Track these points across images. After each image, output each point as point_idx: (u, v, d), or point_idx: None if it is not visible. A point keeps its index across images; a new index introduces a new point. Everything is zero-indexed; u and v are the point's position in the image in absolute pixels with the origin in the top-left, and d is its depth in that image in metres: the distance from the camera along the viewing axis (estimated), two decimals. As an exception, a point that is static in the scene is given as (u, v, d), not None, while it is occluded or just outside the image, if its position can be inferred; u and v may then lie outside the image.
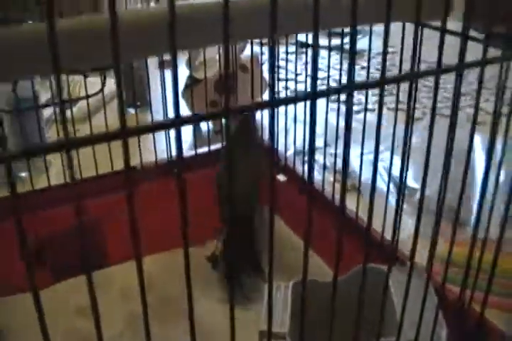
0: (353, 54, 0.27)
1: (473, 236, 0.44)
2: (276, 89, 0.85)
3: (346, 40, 1.00)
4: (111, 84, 1.17)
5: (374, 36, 0.80)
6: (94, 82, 1.12)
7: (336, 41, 1.14)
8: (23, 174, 1.09)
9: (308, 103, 0.26)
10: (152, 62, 1.04)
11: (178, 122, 0.21)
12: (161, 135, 0.93)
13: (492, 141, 0.41)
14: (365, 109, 0.80)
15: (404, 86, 0.46)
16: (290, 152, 1.12)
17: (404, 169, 0.47)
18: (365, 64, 1.72)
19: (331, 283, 0.36)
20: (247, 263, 0.88)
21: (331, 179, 1.04)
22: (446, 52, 0.35)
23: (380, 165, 1.20)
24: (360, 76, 1.72)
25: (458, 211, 0.45)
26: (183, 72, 1.31)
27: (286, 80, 1.21)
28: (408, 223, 0.98)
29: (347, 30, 0.76)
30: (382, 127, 0.31)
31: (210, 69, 1.18)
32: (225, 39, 0.24)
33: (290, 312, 0.61)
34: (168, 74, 0.71)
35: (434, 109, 0.33)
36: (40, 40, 0.26)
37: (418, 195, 1.03)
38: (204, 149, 0.98)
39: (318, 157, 1.09)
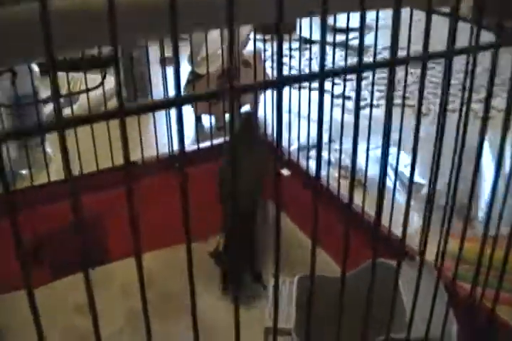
0: (361, 34, 0.26)
1: (484, 235, 0.43)
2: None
3: (351, 35, 0.99)
4: (111, 81, 1.16)
5: (379, 33, 0.79)
6: (94, 78, 1.11)
7: (340, 37, 1.12)
8: (24, 171, 1.08)
9: (311, 103, 0.25)
10: (153, 57, 1.03)
11: (178, 101, 0.20)
12: (162, 129, 0.92)
13: (503, 137, 0.39)
14: (371, 106, 0.79)
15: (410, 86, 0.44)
16: (294, 147, 1.10)
17: (414, 164, 0.45)
18: (371, 59, 1.70)
19: (339, 278, 0.35)
20: (247, 266, 0.87)
21: (336, 174, 1.03)
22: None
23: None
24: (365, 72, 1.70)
25: (469, 207, 0.44)
26: (185, 68, 1.30)
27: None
28: (414, 218, 0.98)
29: (351, 26, 0.75)
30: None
31: (212, 65, 1.16)
32: (229, 19, 0.23)
33: (295, 307, 0.59)
34: (169, 70, 0.69)
35: (446, 93, 0.31)
36: (34, 21, 0.25)
37: (424, 191, 1.02)
38: (206, 144, 0.97)
39: (323, 152, 1.08)
